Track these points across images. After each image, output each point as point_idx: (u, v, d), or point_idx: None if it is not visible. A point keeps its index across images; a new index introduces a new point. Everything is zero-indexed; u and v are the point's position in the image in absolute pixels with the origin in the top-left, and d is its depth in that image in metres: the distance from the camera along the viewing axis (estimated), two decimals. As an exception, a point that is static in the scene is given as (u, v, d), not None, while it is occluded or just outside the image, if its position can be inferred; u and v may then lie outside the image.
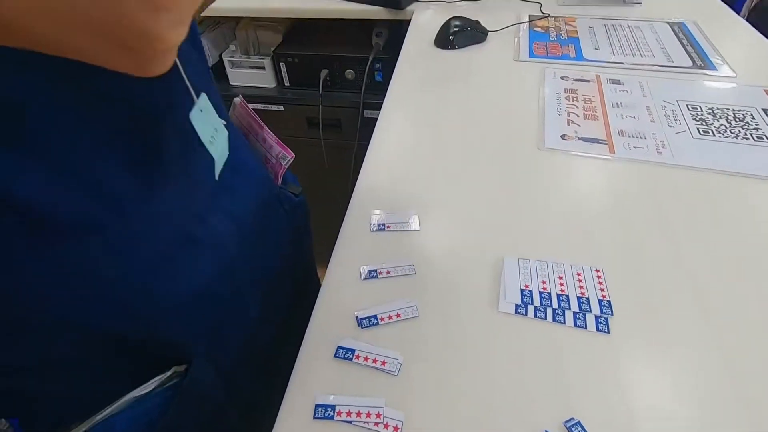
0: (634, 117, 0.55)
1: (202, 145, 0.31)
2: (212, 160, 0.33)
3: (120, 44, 0.20)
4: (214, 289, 0.38)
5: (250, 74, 1.04)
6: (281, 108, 1.05)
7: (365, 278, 0.39)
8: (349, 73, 0.99)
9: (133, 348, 0.33)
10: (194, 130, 0.30)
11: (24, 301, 0.28)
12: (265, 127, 0.49)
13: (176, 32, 0.21)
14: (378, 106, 1.01)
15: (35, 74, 0.22)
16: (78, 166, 0.27)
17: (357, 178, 0.50)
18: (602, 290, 0.38)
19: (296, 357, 0.35)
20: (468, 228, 0.44)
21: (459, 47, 0.72)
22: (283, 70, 1.06)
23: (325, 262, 0.46)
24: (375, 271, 0.39)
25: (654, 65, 0.66)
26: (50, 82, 0.23)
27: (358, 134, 1.04)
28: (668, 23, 0.77)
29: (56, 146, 0.25)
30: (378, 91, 1.00)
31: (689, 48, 0.70)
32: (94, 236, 0.29)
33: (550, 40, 0.73)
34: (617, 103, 0.58)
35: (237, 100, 0.49)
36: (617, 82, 0.62)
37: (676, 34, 0.73)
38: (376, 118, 1.04)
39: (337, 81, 1.01)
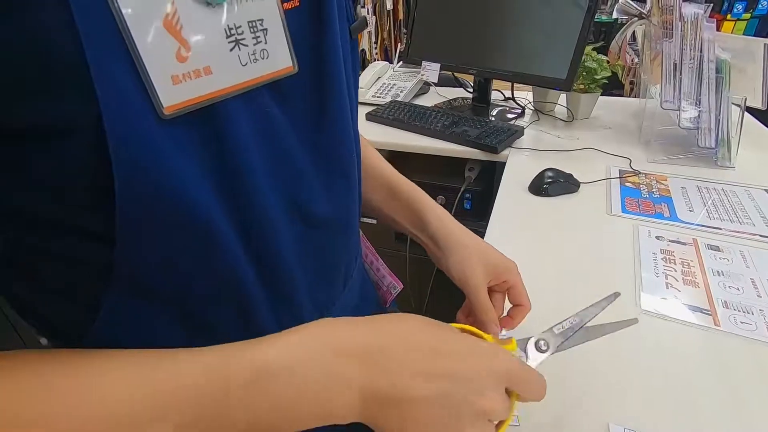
0: (738, 289, 0.56)
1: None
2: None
3: None
4: None
5: (353, 190, 1.19)
6: (374, 222, 1.16)
7: (469, 423, 0.41)
8: (440, 199, 1.09)
9: None
10: None
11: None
12: (380, 259, 0.57)
13: None
14: (464, 232, 1.09)
15: None
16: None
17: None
18: (719, 483, 0.36)
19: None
20: (570, 384, 0.45)
21: (552, 195, 0.78)
22: (381, 189, 1.19)
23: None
24: (479, 417, 0.41)
25: (755, 234, 0.66)
26: None
27: (441, 253, 1.11)
28: (766, 190, 0.79)
29: None
30: (466, 217, 1.08)
31: (792, 220, 0.70)
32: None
33: (642, 197, 0.77)
34: (718, 272, 0.59)
35: None
36: (716, 248, 0.63)
37: (776, 204, 0.74)
38: (461, 242, 1.10)
39: (429, 204, 1.11)
